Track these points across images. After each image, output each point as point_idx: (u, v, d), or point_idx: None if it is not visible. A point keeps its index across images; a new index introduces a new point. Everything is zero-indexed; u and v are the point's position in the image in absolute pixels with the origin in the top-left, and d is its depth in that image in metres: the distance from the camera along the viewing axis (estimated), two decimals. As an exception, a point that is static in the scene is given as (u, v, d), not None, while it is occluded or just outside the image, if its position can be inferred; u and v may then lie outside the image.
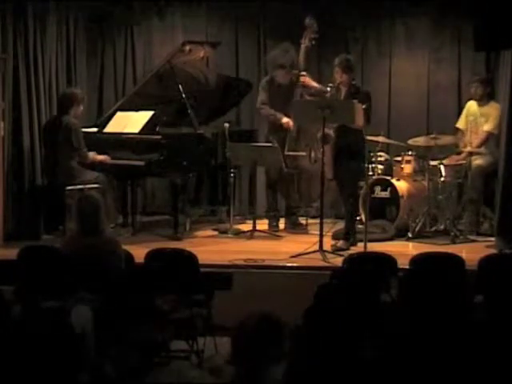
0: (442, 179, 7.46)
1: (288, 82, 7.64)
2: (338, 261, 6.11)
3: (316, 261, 6.41)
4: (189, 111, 7.55)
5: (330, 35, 8.38)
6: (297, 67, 7.56)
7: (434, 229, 7.44)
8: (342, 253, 6.50)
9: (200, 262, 5.56)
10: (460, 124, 7.87)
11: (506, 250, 6.45)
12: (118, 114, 7.70)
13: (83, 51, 8.47)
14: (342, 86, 6.98)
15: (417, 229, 7.32)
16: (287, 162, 7.43)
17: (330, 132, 6.90)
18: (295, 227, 7.83)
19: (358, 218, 7.31)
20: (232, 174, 7.65)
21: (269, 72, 7.90)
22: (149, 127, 7.36)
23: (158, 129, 7.35)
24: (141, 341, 4.92)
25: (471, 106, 7.82)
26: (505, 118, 6.93)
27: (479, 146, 7.63)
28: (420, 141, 7.59)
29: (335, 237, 7.14)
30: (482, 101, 7.69)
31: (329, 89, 6.88)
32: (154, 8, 8.82)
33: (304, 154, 7.55)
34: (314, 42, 7.53)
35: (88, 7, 8.44)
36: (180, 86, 7.58)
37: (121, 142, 7.44)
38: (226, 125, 7.76)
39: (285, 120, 7.56)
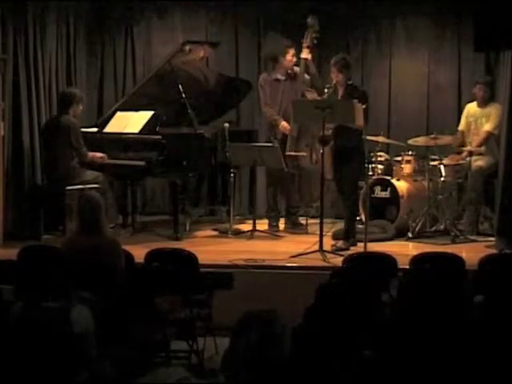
0: (442, 179, 7.46)
1: (285, 74, 7.65)
2: (338, 261, 6.11)
3: (316, 261, 6.41)
4: (189, 111, 7.55)
5: (331, 35, 8.37)
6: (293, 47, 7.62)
7: (434, 229, 7.44)
8: (341, 253, 6.49)
9: (200, 262, 5.56)
10: (461, 126, 7.87)
11: (506, 250, 6.45)
12: (118, 113, 7.70)
13: (83, 51, 8.48)
14: (339, 85, 6.98)
15: (417, 229, 7.32)
16: (288, 161, 7.43)
17: (329, 133, 6.89)
18: (295, 227, 7.82)
19: (358, 218, 7.31)
20: (232, 174, 7.64)
21: (268, 68, 7.96)
22: (149, 127, 7.36)
23: (158, 129, 7.35)
24: (141, 341, 4.92)
25: (471, 107, 7.82)
26: (505, 118, 6.92)
27: (479, 146, 7.63)
28: (420, 141, 7.59)
29: (335, 237, 7.14)
30: (484, 102, 7.68)
31: (326, 90, 6.88)
32: (154, 8, 8.83)
33: (305, 154, 7.55)
34: (315, 42, 7.53)
35: (88, 7, 8.46)
36: (180, 86, 7.57)
37: (121, 141, 7.44)
38: (226, 125, 7.76)
39: (281, 125, 7.57)
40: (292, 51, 7.58)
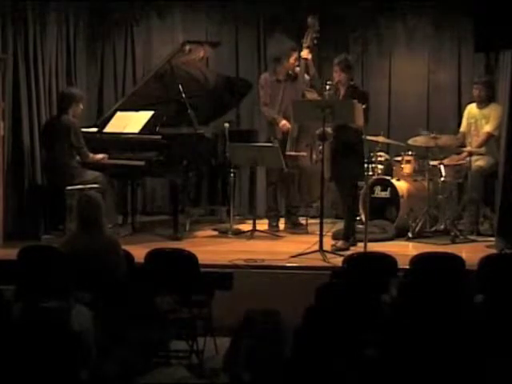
0: (442, 179, 7.46)
1: (286, 75, 7.65)
2: (337, 261, 6.10)
3: (316, 261, 6.41)
4: (189, 111, 7.55)
5: (331, 35, 8.38)
6: (297, 51, 7.61)
7: (434, 229, 7.44)
8: (341, 253, 6.49)
9: (200, 262, 5.55)
10: (462, 128, 7.87)
11: (506, 249, 6.45)
12: (118, 113, 7.70)
13: (83, 51, 8.48)
14: (341, 85, 6.97)
15: (417, 229, 7.32)
16: (288, 161, 7.44)
17: (329, 129, 6.90)
18: (295, 227, 7.82)
19: (357, 218, 7.31)
20: (232, 174, 7.64)
21: (269, 68, 7.98)
22: (149, 127, 7.36)
23: (157, 129, 7.35)
24: (141, 341, 4.92)
25: (471, 109, 7.81)
26: (505, 119, 6.92)
27: (479, 147, 7.62)
28: (420, 141, 7.58)
29: (335, 237, 7.14)
30: (483, 103, 7.68)
31: (328, 87, 6.86)
32: (154, 8, 8.83)
33: (305, 154, 7.56)
34: (315, 42, 7.53)
35: (88, 7, 8.46)
36: (180, 86, 7.58)
37: (121, 141, 7.44)
38: (226, 125, 7.76)
39: (281, 123, 7.58)
40: (295, 55, 7.59)
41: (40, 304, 4.02)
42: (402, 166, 7.71)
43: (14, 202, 7.29)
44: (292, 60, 7.61)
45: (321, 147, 6.78)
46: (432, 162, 7.51)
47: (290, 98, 7.46)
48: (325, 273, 5.79)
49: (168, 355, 5.30)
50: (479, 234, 7.44)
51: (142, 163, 7.22)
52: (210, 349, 5.43)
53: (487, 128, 7.61)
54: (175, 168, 7.26)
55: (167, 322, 5.22)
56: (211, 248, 7.04)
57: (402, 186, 7.56)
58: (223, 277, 6.02)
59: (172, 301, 5.31)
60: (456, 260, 5.40)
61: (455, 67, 8.61)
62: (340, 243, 6.89)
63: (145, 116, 7.47)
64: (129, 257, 5.50)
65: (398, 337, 3.81)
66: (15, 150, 7.32)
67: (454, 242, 7.10)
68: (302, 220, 7.87)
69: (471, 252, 6.46)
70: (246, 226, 7.78)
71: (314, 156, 7.49)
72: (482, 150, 7.64)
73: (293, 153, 7.53)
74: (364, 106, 6.63)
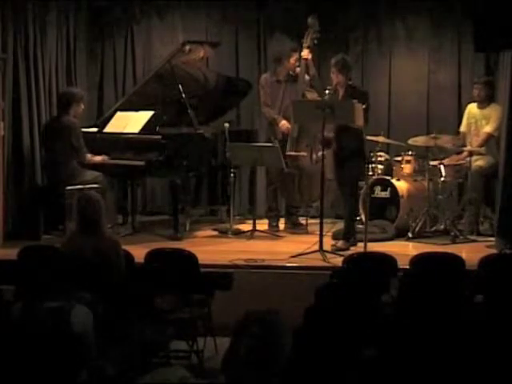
0: (442, 179, 7.47)
1: (287, 75, 7.65)
2: (337, 261, 6.11)
3: (316, 261, 6.42)
4: (189, 111, 7.55)
5: (331, 35, 8.38)
6: (298, 52, 7.61)
7: (434, 229, 7.44)
8: (341, 253, 6.49)
9: (200, 262, 5.56)
10: (462, 127, 7.87)
11: (506, 249, 6.45)
12: (118, 113, 7.70)
13: (83, 51, 8.48)
14: (339, 86, 6.97)
15: (417, 229, 7.32)
16: (288, 161, 7.44)
17: (331, 135, 6.89)
18: (295, 227, 7.83)
19: (358, 218, 7.31)
20: (232, 174, 7.65)
21: (269, 68, 7.98)
22: (149, 127, 7.36)
23: (157, 129, 7.35)
24: (141, 341, 4.91)
25: (471, 108, 7.82)
26: (505, 119, 6.92)
27: (479, 147, 7.62)
28: (420, 141, 7.59)
29: (335, 237, 7.15)
30: (483, 103, 7.68)
31: (327, 91, 6.85)
32: (154, 8, 8.83)
33: (305, 154, 7.56)
34: (316, 42, 7.53)
35: (88, 7, 8.46)
36: (180, 86, 7.58)
37: (121, 141, 7.44)
38: (226, 125, 7.76)
39: (281, 124, 7.58)
40: (296, 56, 7.59)
41: (40, 304, 4.01)
42: (402, 165, 7.71)
43: (13, 202, 7.30)
44: (292, 61, 7.62)
45: (321, 152, 6.78)
46: (432, 162, 7.51)
47: (291, 98, 7.46)
48: (325, 273, 5.78)
49: (168, 355, 5.30)
50: (479, 234, 7.44)
51: (142, 163, 7.22)
52: (210, 349, 5.44)
53: (487, 129, 7.61)
54: (175, 168, 7.26)
55: (167, 321, 5.22)
56: (211, 248, 7.04)
57: (402, 186, 7.56)
58: (223, 277, 6.02)
59: (172, 301, 5.31)
60: (456, 260, 5.41)
61: (455, 67, 8.61)
62: (340, 243, 6.89)
63: (145, 116, 7.47)
64: (129, 257, 5.50)
65: (398, 337, 3.81)
66: (15, 150, 7.32)
67: (454, 242, 7.10)
68: (302, 220, 7.87)
69: (471, 252, 6.46)
70: (246, 226, 7.78)
71: (314, 156, 7.49)
72: (482, 149, 7.64)
73: (293, 153, 7.54)
74: (364, 106, 6.63)
